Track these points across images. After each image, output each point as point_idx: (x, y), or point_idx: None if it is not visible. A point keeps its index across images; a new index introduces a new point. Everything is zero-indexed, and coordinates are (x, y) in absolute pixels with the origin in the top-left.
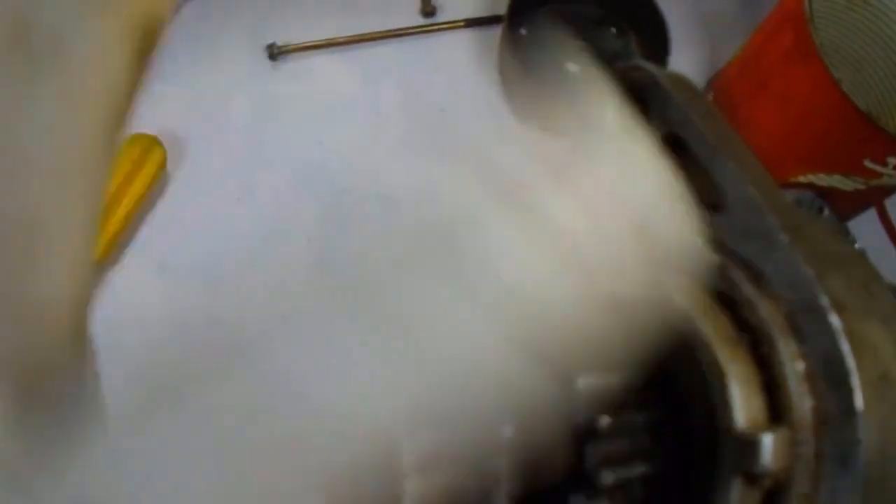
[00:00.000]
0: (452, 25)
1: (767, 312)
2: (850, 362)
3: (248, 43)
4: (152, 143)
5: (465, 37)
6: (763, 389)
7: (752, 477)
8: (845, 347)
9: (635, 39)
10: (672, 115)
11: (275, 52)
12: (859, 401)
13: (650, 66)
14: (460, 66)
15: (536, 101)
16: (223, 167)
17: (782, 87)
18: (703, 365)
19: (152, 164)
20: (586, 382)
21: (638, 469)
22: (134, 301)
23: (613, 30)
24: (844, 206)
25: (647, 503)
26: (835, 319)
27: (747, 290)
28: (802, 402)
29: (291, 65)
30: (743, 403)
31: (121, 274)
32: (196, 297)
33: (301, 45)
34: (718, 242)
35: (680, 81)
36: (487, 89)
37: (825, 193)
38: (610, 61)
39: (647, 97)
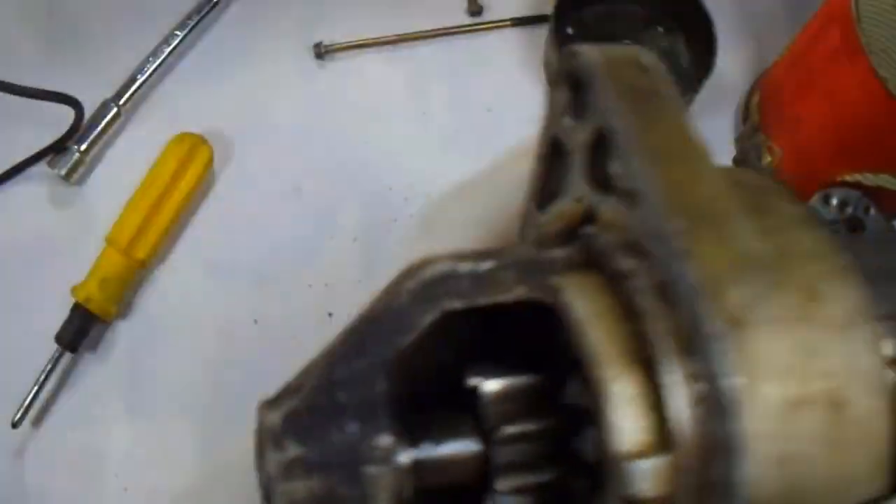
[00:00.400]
0: (499, 25)
1: (663, 328)
2: (735, 390)
3: (295, 42)
4: (199, 141)
5: (512, 36)
6: (654, 410)
7: (632, 502)
8: (727, 372)
9: (682, 39)
10: (602, 105)
11: (321, 52)
12: (743, 432)
13: (589, 51)
14: (507, 65)
15: None
16: (269, 166)
17: (829, 86)
18: (589, 382)
19: (199, 163)
20: (491, 387)
21: (535, 478)
22: (181, 299)
23: (660, 29)
24: (891, 206)
25: None
26: (719, 343)
27: (645, 301)
28: (690, 427)
29: (338, 64)
30: (627, 426)
31: (168, 272)
32: (243, 295)
33: (348, 44)
34: (634, 243)
35: (623, 65)
36: (534, 89)
37: (872, 193)
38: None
39: (584, 86)
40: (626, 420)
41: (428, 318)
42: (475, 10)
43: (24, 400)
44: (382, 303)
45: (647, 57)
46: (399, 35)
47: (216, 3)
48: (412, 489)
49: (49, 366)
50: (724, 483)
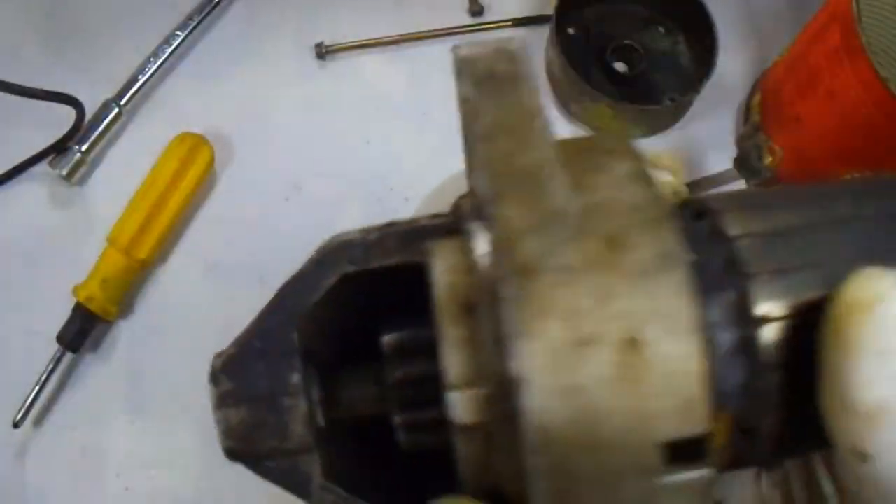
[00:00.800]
0: (500, 25)
1: (482, 278)
2: (514, 330)
3: (296, 42)
4: (200, 142)
5: (513, 36)
6: (477, 351)
7: (466, 428)
8: (509, 317)
9: (683, 39)
10: (459, 91)
11: (323, 52)
12: (523, 368)
13: (459, 47)
14: None
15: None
16: (271, 166)
17: (829, 85)
18: (434, 325)
19: (200, 164)
20: (388, 339)
21: (423, 415)
22: (182, 299)
23: (661, 29)
24: None
25: (439, 445)
26: (506, 290)
27: (475, 258)
28: (495, 364)
29: (339, 64)
30: (455, 363)
31: (169, 272)
32: (244, 294)
33: (349, 45)
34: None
35: (486, 55)
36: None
37: None
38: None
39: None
40: (454, 358)
41: (330, 280)
42: (476, 10)
43: (26, 400)
44: (297, 270)
45: (514, 45)
46: (400, 35)
47: (217, 4)
48: (324, 419)
49: (50, 366)
50: (518, 412)
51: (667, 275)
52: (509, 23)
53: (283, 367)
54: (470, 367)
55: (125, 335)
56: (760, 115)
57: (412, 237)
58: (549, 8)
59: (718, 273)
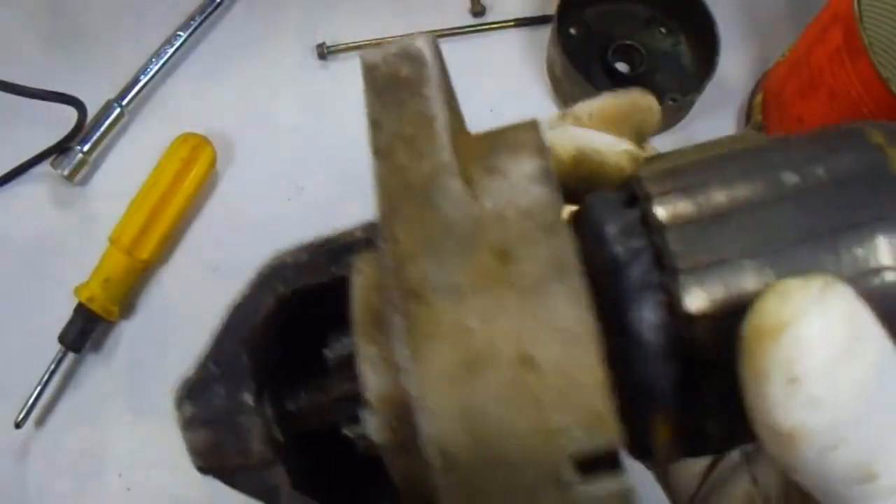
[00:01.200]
0: (502, 25)
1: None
2: (404, 354)
3: (298, 42)
4: (202, 142)
5: (515, 36)
6: (390, 369)
7: (384, 446)
8: (399, 340)
9: (685, 39)
10: (364, 99)
11: (324, 52)
12: (416, 392)
13: (365, 53)
14: (510, 65)
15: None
16: (272, 166)
17: (831, 86)
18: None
19: (202, 164)
20: (329, 354)
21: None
22: (184, 299)
23: (663, 29)
24: None
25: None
26: (395, 314)
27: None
28: (399, 386)
29: (341, 64)
30: (370, 382)
31: (171, 272)
32: None
33: (350, 45)
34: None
35: (389, 59)
36: (537, 88)
37: None
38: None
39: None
40: (369, 377)
41: (268, 301)
42: (478, 10)
43: (28, 400)
44: (239, 293)
45: (418, 44)
46: (402, 36)
47: (219, 4)
48: (282, 434)
49: (52, 366)
50: (419, 435)
51: (558, 286)
52: (511, 23)
53: (237, 388)
54: (384, 385)
55: (127, 335)
56: (762, 116)
57: (343, 251)
58: (551, 8)
59: (648, 268)
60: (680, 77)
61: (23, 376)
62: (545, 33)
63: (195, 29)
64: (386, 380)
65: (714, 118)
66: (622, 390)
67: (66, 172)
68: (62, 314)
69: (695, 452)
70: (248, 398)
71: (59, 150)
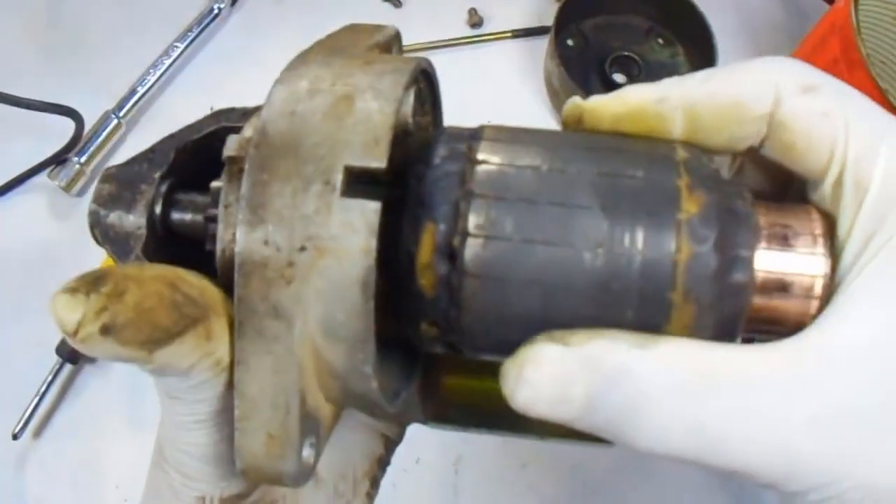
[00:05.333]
0: (499, 36)
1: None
2: (276, 80)
3: (295, 53)
4: None
5: (512, 47)
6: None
7: (231, 159)
8: (280, 74)
9: (682, 50)
10: None
11: None
12: (268, 99)
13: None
14: (507, 75)
15: None
16: None
17: None
18: None
19: None
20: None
21: None
22: None
23: (660, 40)
24: None
25: None
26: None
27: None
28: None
29: None
30: (232, 147)
31: None
32: None
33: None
34: None
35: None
36: (534, 99)
37: None
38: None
39: None
40: (232, 144)
41: (210, 125)
42: (476, 22)
43: (25, 411)
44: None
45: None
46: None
47: (216, 15)
48: (161, 211)
49: (49, 377)
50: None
51: (394, 75)
52: (508, 34)
53: (154, 168)
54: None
55: None
56: None
57: None
58: (549, 19)
59: (454, 176)
60: None
61: (20, 387)
62: (543, 44)
63: (192, 41)
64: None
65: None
66: (412, 198)
67: (63, 183)
68: None
69: (448, 279)
70: (156, 176)
71: (57, 161)
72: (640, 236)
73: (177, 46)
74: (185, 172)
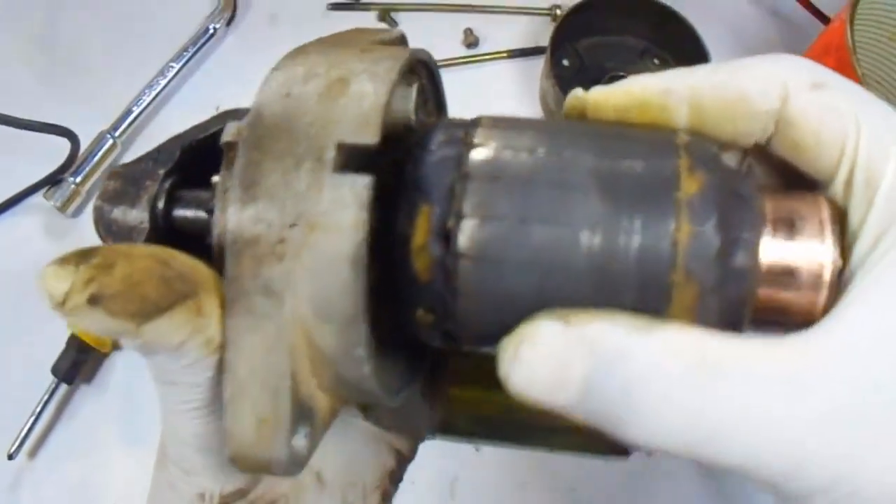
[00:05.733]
0: (495, 56)
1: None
2: (274, 66)
3: None
4: None
5: (508, 67)
6: None
7: (228, 144)
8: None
9: None
10: None
11: None
12: (262, 85)
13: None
14: (503, 95)
15: None
16: None
17: None
18: None
19: None
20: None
21: None
22: None
23: (656, 61)
24: None
25: None
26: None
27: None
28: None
29: None
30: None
31: None
32: None
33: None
34: None
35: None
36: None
37: None
38: None
39: None
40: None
41: (216, 126)
42: (471, 42)
43: (20, 431)
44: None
45: None
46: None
47: (212, 35)
48: (164, 206)
49: (45, 397)
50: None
51: (390, 61)
52: (504, 54)
53: (159, 165)
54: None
55: (120, 366)
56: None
57: None
58: (544, 39)
59: (450, 160)
60: None
61: (15, 408)
62: (538, 64)
63: (188, 60)
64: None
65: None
66: (407, 182)
67: (58, 204)
68: (55, 346)
69: (443, 262)
70: (161, 172)
71: (52, 181)
72: (638, 216)
73: (172, 66)
74: (190, 170)
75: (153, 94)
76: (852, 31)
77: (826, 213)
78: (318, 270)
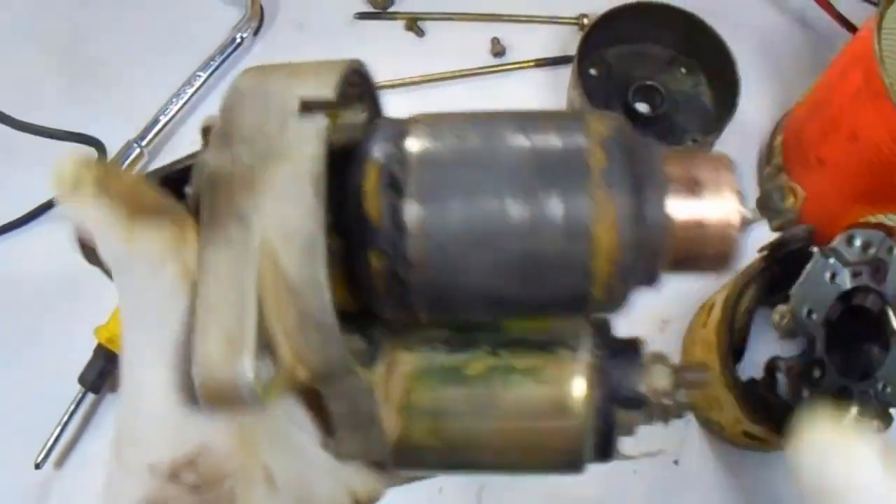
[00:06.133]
0: (522, 66)
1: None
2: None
3: None
4: None
5: (535, 76)
6: None
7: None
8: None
9: (705, 79)
10: None
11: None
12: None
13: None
14: (530, 105)
15: None
16: None
17: (852, 126)
18: None
19: None
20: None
21: None
22: None
23: (683, 70)
24: None
25: None
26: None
27: None
28: None
29: None
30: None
31: None
32: None
33: (374, 85)
34: None
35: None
36: None
37: (895, 233)
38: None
39: None
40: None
41: (190, 160)
42: (498, 51)
43: (47, 441)
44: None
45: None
46: (425, 76)
47: (239, 44)
48: None
49: (72, 407)
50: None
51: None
52: (531, 63)
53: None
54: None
55: None
56: (782, 157)
57: None
58: (571, 48)
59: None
60: (700, 118)
61: (42, 417)
62: (565, 74)
63: (215, 69)
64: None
65: (734, 158)
66: (357, 153)
67: None
68: (82, 355)
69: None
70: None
71: None
72: (557, 187)
73: (199, 76)
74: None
75: (180, 103)
76: (880, 40)
77: (726, 166)
78: (283, 194)
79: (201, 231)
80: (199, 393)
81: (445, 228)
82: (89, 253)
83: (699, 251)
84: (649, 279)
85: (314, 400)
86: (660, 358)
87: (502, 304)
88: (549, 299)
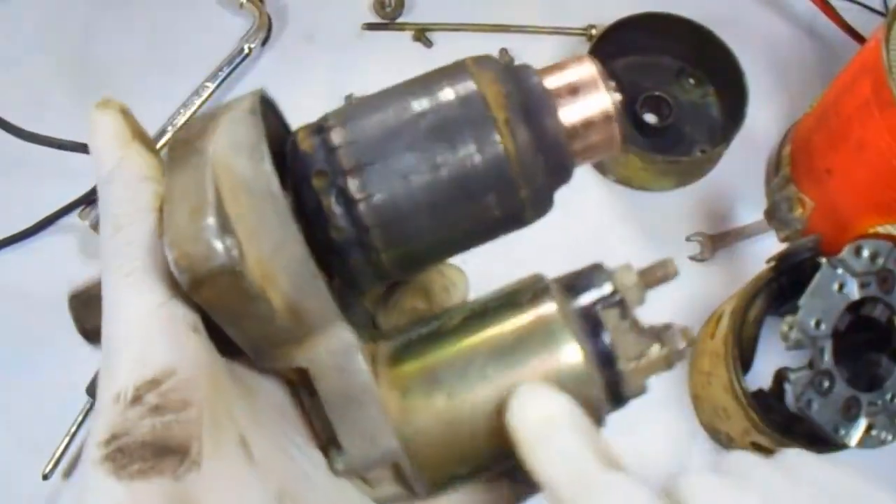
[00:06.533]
0: None
1: None
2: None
3: (328, 94)
4: None
5: None
6: None
7: None
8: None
9: (713, 90)
10: None
11: (353, 103)
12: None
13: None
14: None
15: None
16: None
17: (860, 136)
18: None
19: None
20: None
21: None
22: None
23: (691, 81)
24: None
25: None
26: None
27: None
28: None
29: None
30: None
31: None
32: None
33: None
34: None
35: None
36: None
37: None
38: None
39: None
40: None
41: None
42: (507, 62)
43: (56, 452)
44: None
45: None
46: None
47: (247, 55)
48: None
49: (80, 417)
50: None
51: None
52: None
53: None
54: None
55: None
56: (790, 167)
57: None
58: None
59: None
60: (708, 128)
61: (51, 428)
62: None
63: (223, 80)
64: None
65: (742, 169)
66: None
67: (93, 223)
68: (90, 365)
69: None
70: None
71: (87, 201)
72: (470, 136)
73: (208, 86)
74: None
75: (188, 113)
76: (888, 50)
77: (595, 68)
78: (228, 125)
79: (167, 168)
80: (175, 270)
81: (365, 132)
82: (90, 334)
83: (591, 141)
84: (564, 174)
85: (303, 401)
86: (623, 266)
87: (447, 216)
88: (488, 210)
